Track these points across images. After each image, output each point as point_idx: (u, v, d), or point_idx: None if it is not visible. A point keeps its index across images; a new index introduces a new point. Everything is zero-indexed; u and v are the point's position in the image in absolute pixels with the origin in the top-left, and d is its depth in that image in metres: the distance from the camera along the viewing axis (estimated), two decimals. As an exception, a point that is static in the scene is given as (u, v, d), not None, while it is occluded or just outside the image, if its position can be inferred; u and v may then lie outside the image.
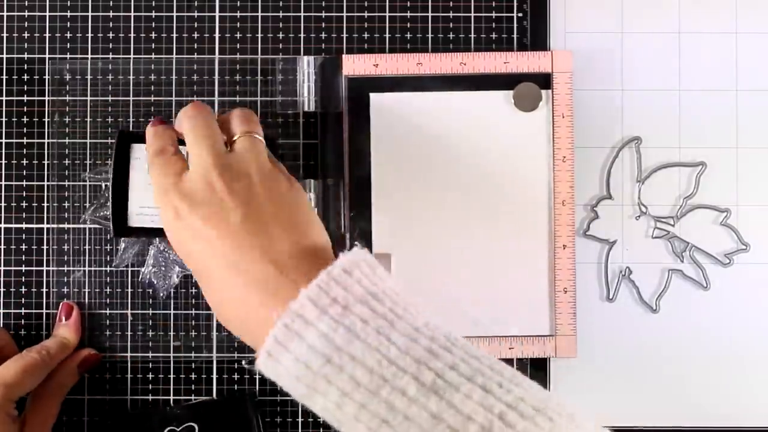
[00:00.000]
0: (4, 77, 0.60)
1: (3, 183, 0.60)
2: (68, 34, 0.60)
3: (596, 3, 0.61)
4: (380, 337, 0.41)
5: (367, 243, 0.59)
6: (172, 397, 0.60)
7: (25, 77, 0.60)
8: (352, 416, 0.40)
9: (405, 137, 0.59)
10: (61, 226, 0.60)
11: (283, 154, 0.60)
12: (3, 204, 0.60)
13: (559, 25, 0.60)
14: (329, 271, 0.43)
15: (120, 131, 0.55)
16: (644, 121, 0.60)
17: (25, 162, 0.60)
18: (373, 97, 0.59)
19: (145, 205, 0.54)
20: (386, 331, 0.42)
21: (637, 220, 0.60)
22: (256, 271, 0.45)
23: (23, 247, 0.60)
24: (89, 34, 0.60)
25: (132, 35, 0.61)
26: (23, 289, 0.60)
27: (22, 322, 0.60)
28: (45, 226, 0.60)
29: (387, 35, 0.61)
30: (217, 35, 0.61)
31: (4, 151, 0.60)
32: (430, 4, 0.61)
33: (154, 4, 0.61)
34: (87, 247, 0.60)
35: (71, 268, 0.60)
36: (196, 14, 0.61)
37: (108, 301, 0.60)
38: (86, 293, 0.60)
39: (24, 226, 0.60)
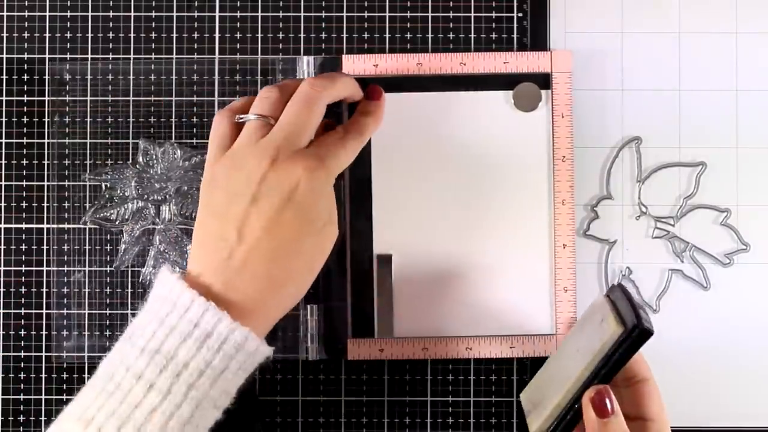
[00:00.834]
0: (4, 77, 0.60)
1: (3, 183, 0.60)
2: (68, 34, 0.60)
3: (596, 3, 0.61)
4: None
5: (368, 243, 0.59)
6: (172, 397, 0.60)
7: (25, 77, 0.60)
8: None
9: (405, 137, 0.59)
10: (61, 226, 0.60)
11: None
12: (3, 204, 0.60)
13: (559, 25, 0.60)
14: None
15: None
16: (644, 121, 0.60)
17: (25, 162, 0.60)
18: None
19: None
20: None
21: (637, 220, 0.60)
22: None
23: (23, 247, 0.60)
24: (89, 35, 0.60)
25: (132, 35, 0.61)
26: (23, 289, 0.60)
27: (22, 322, 0.60)
28: (45, 226, 0.60)
29: (387, 35, 0.61)
30: (217, 35, 0.61)
31: (4, 151, 0.60)
32: (430, 4, 0.61)
33: (154, 4, 0.61)
34: (87, 247, 0.60)
35: (71, 268, 0.60)
36: (196, 14, 0.61)
37: (108, 301, 0.60)
38: (86, 293, 0.60)
39: (24, 226, 0.60)
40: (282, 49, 0.60)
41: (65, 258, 0.60)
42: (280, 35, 0.61)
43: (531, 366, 0.60)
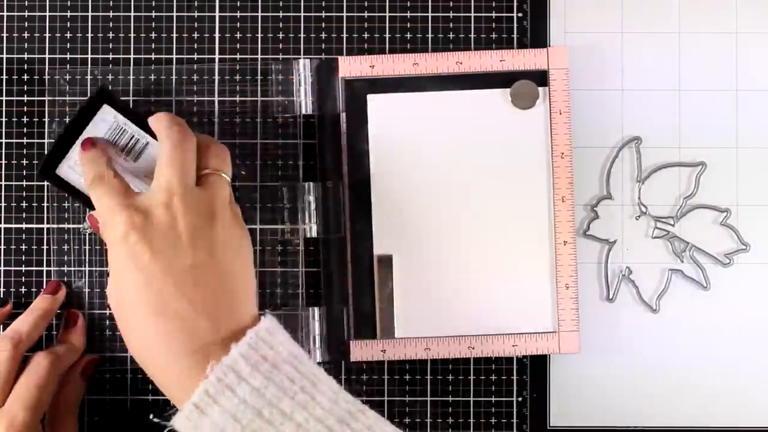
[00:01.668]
0: (4, 77, 0.60)
1: (3, 183, 0.60)
2: (68, 35, 0.60)
3: (596, 3, 0.61)
4: (305, 396, 0.44)
5: (368, 244, 0.59)
6: (172, 397, 0.60)
7: (25, 77, 0.60)
8: None
9: (403, 138, 0.59)
10: (61, 226, 0.60)
11: (283, 155, 0.60)
12: (3, 204, 0.60)
13: (559, 25, 0.60)
14: (256, 331, 0.46)
15: (101, 88, 0.54)
16: (644, 121, 0.60)
17: (25, 162, 0.60)
18: (371, 98, 0.59)
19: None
20: (310, 391, 0.45)
21: (637, 220, 0.60)
22: (189, 321, 0.46)
23: (23, 247, 0.60)
24: (89, 35, 0.60)
25: (132, 35, 0.60)
26: (23, 289, 0.60)
27: (23, 322, 0.60)
28: (45, 226, 0.60)
29: (387, 35, 0.61)
30: (217, 35, 0.61)
31: (4, 151, 0.60)
32: (430, 4, 0.61)
33: (154, 4, 0.61)
34: (87, 247, 0.60)
35: (71, 269, 0.60)
36: (196, 14, 0.61)
37: (108, 301, 0.60)
38: (86, 293, 0.60)
39: (24, 226, 0.60)
40: (282, 50, 0.60)
41: (65, 258, 0.60)
42: (280, 36, 0.61)
43: (531, 365, 0.60)
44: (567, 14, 0.61)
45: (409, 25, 0.60)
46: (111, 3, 0.60)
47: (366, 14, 0.61)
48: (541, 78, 0.59)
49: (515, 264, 0.59)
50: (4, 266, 0.60)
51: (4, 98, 0.60)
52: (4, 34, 0.60)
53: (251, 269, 0.51)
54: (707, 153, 0.60)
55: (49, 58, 0.60)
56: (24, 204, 0.60)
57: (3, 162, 0.60)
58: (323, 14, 0.61)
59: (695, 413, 0.60)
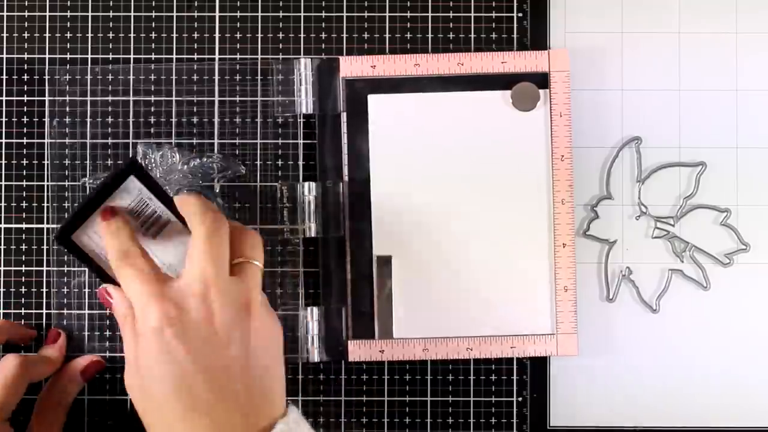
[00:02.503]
0: (4, 77, 0.60)
1: (3, 183, 0.60)
2: (68, 34, 0.60)
3: (596, 3, 0.61)
4: None
5: (367, 245, 0.59)
6: (172, 397, 0.60)
7: (25, 77, 0.60)
8: None
9: (404, 138, 0.59)
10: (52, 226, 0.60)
11: (283, 154, 0.60)
12: (3, 204, 0.60)
13: (559, 25, 0.60)
14: (286, 422, 0.46)
15: (132, 160, 0.51)
16: (644, 121, 0.60)
17: (25, 162, 0.60)
18: (372, 98, 0.59)
19: (99, 233, 0.51)
20: None
21: (637, 220, 0.60)
22: (223, 418, 0.45)
23: (23, 247, 0.60)
24: (89, 35, 0.60)
25: (132, 35, 0.60)
26: (23, 289, 0.60)
27: (22, 322, 0.60)
28: (45, 226, 0.60)
29: (387, 35, 0.61)
30: (217, 35, 0.61)
31: (4, 151, 0.60)
32: (430, 4, 0.60)
33: (154, 4, 0.61)
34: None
35: (72, 269, 0.60)
36: (196, 14, 0.61)
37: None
38: (86, 293, 0.60)
39: (24, 226, 0.60)
40: (282, 50, 0.60)
41: (65, 258, 0.60)
42: (280, 35, 0.61)
43: (531, 365, 0.60)
44: (567, 14, 0.61)
45: (409, 25, 0.60)
46: (111, 3, 0.60)
47: (366, 14, 0.61)
48: (542, 80, 0.59)
49: (514, 266, 0.59)
50: (4, 266, 0.60)
51: (4, 98, 0.60)
52: (4, 34, 0.60)
53: (282, 360, 0.50)
54: (707, 153, 0.60)
55: (49, 58, 0.60)
56: (24, 204, 0.60)
57: (3, 162, 0.60)
58: (323, 14, 0.61)
59: (695, 413, 0.60)
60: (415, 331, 0.59)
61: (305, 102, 0.60)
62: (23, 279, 0.60)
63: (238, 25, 0.60)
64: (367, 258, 0.59)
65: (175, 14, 0.61)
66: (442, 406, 0.60)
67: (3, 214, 0.60)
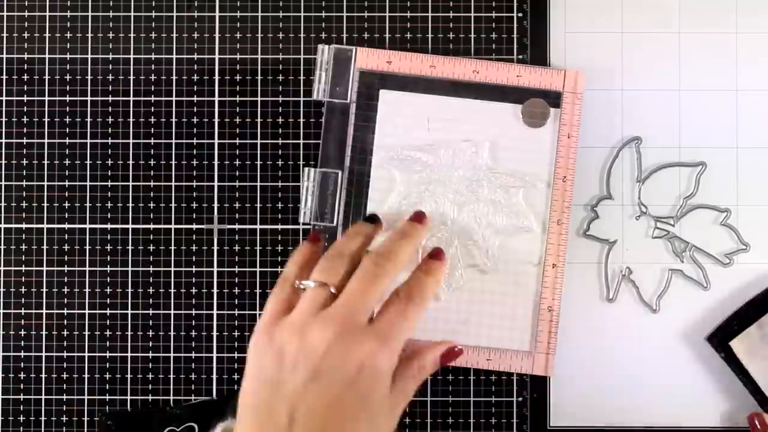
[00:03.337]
0: (4, 77, 0.60)
1: (3, 183, 0.60)
2: (68, 34, 0.60)
3: (596, 3, 0.61)
4: None
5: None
6: (172, 397, 0.60)
7: (25, 77, 0.60)
8: None
9: (409, 137, 0.59)
10: (61, 226, 0.60)
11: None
12: (3, 204, 0.60)
13: (559, 25, 0.60)
14: None
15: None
16: (644, 121, 0.60)
17: (25, 162, 0.60)
18: (383, 93, 0.59)
19: None
20: None
21: (637, 220, 0.60)
22: None
23: (23, 247, 0.60)
24: (89, 35, 0.60)
25: (132, 35, 0.61)
26: (23, 289, 0.60)
27: (22, 322, 0.60)
28: (45, 226, 0.60)
29: (387, 35, 0.61)
30: (217, 35, 0.61)
31: (4, 151, 0.60)
32: (430, 4, 0.61)
33: (154, 4, 0.61)
34: (87, 247, 0.60)
35: (71, 268, 0.60)
36: (196, 14, 0.61)
37: (108, 301, 0.60)
38: (87, 293, 0.60)
39: (24, 226, 0.60)
40: (282, 49, 0.60)
41: (65, 258, 0.60)
42: (280, 35, 0.61)
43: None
44: (567, 14, 0.61)
45: (409, 25, 0.60)
46: (111, 3, 0.60)
47: (366, 14, 0.61)
48: (554, 98, 0.59)
49: (502, 278, 0.59)
50: (4, 266, 0.60)
51: (4, 98, 0.60)
52: (4, 34, 0.61)
53: None
54: (707, 153, 0.60)
55: (49, 58, 0.60)
56: (24, 204, 0.60)
57: (3, 162, 0.60)
58: (323, 14, 0.61)
59: (695, 413, 0.60)
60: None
61: (321, 89, 0.59)
62: (23, 279, 0.60)
63: (238, 25, 0.61)
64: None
65: (175, 14, 0.61)
66: (442, 406, 0.60)
67: (3, 214, 0.60)
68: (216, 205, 0.60)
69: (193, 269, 0.60)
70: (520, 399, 0.60)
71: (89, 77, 0.60)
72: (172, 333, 0.60)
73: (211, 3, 0.61)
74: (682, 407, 0.60)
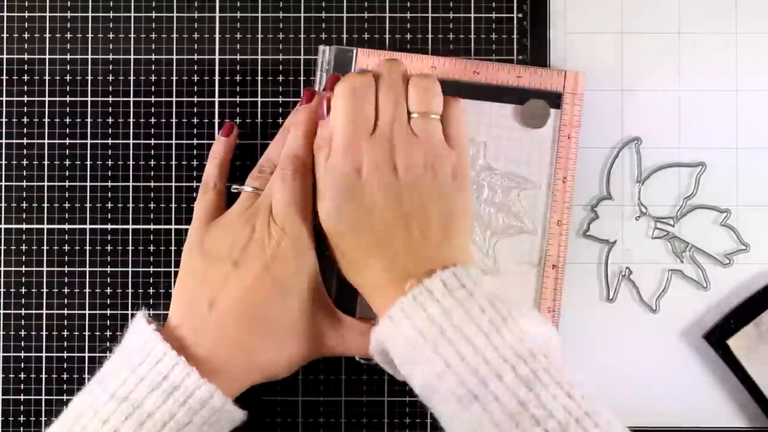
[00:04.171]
0: (4, 77, 0.60)
1: (3, 183, 0.60)
2: (68, 35, 0.60)
3: (596, 3, 0.61)
4: (492, 327, 0.46)
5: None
6: (172, 398, 0.60)
7: (25, 77, 0.60)
8: (449, 389, 0.45)
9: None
10: (61, 226, 0.60)
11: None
12: (3, 204, 0.60)
13: (559, 25, 0.60)
14: (465, 265, 0.49)
15: None
16: (644, 121, 0.60)
17: (25, 162, 0.60)
18: None
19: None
20: (498, 324, 0.46)
21: (637, 221, 0.60)
22: (399, 249, 0.50)
23: (23, 247, 0.60)
24: (89, 35, 0.60)
25: (132, 35, 0.61)
26: (23, 289, 0.60)
27: (23, 322, 0.60)
28: (45, 226, 0.60)
29: (387, 36, 0.61)
30: (217, 35, 0.61)
31: (4, 151, 0.60)
32: (430, 4, 0.60)
33: (154, 4, 0.61)
34: (87, 247, 0.60)
35: (71, 269, 0.60)
36: (196, 14, 0.61)
37: (108, 301, 0.60)
38: (87, 293, 0.60)
39: (24, 226, 0.60)
40: (282, 50, 0.60)
41: (65, 258, 0.60)
42: (280, 35, 0.61)
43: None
44: (567, 14, 0.61)
45: (408, 25, 0.60)
46: (111, 3, 0.60)
47: (366, 15, 0.61)
48: (555, 99, 0.59)
49: (502, 280, 0.59)
50: (4, 266, 0.60)
51: (4, 98, 0.60)
52: (4, 35, 0.60)
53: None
54: (707, 153, 0.60)
55: (49, 58, 0.60)
56: (24, 204, 0.60)
57: (3, 162, 0.60)
58: (323, 14, 0.61)
59: (695, 413, 0.60)
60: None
61: (321, 89, 0.59)
62: (23, 279, 0.60)
63: (238, 25, 0.61)
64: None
65: (175, 14, 0.61)
66: (442, 406, 0.60)
67: (3, 215, 0.60)
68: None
69: (193, 269, 0.60)
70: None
71: (89, 77, 0.60)
72: (172, 333, 0.60)
73: (211, 3, 0.61)
74: (682, 407, 0.60)
